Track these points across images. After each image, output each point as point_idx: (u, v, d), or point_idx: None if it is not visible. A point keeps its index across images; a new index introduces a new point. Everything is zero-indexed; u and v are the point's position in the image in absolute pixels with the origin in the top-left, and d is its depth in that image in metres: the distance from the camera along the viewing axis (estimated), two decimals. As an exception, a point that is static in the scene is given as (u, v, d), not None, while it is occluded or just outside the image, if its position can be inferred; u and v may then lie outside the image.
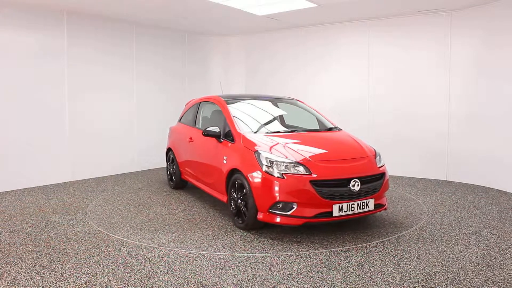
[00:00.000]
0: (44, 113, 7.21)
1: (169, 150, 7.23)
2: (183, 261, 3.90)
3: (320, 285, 3.41)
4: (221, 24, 8.79)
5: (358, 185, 4.47)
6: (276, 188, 4.39)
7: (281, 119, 6.01)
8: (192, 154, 6.28)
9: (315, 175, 4.39)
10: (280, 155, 4.60)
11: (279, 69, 9.52)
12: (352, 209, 4.45)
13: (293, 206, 4.36)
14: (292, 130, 5.49)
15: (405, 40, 7.86)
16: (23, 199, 6.31)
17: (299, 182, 4.35)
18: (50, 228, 4.90)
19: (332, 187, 4.40)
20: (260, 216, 4.54)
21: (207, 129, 5.44)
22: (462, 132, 7.36)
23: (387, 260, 3.93)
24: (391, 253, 4.10)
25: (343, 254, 4.09)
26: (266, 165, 4.51)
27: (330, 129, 5.69)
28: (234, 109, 5.65)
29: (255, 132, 5.23)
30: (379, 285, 3.40)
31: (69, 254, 4.09)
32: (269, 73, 9.72)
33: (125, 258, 3.99)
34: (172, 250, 4.19)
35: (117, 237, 4.58)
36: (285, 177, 4.38)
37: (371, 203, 4.61)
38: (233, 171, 4.98)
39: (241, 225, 4.83)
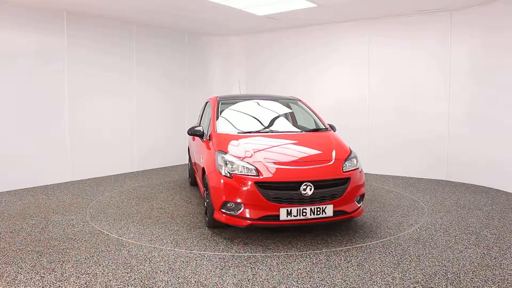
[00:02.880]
0: (44, 113, 7.21)
1: (188, 148, 7.54)
2: (183, 261, 3.91)
3: (320, 285, 3.41)
4: (221, 24, 8.78)
5: (310, 189, 4.24)
6: (224, 188, 4.37)
7: (275, 119, 5.86)
8: (193, 152, 6.57)
9: (261, 177, 4.31)
10: (238, 155, 4.55)
11: (280, 69, 9.51)
12: (304, 214, 4.24)
13: (241, 207, 4.33)
14: (271, 131, 5.34)
15: (405, 40, 7.86)
16: (23, 199, 6.31)
17: (244, 183, 4.29)
18: (50, 228, 4.91)
19: (280, 190, 4.25)
20: (215, 215, 4.56)
21: (192, 128, 5.58)
22: (462, 132, 7.36)
23: (387, 260, 3.93)
24: (391, 253, 4.10)
25: (343, 254, 4.08)
26: (221, 165, 4.51)
27: (317, 130, 5.49)
28: (226, 110, 5.68)
29: (243, 133, 5.14)
30: (379, 285, 3.40)
31: (69, 254, 4.09)
32: (269, 73, 9.72)
33: (125, 258, 3.99)
34: (172, 250, 4.19)
35: (101, 230, 4.59)
36: (233, 178, 4.37)
37: (329, 210, 4.32)
38: (204, 170, 5.06)
39: (206, 222, 4.91)
